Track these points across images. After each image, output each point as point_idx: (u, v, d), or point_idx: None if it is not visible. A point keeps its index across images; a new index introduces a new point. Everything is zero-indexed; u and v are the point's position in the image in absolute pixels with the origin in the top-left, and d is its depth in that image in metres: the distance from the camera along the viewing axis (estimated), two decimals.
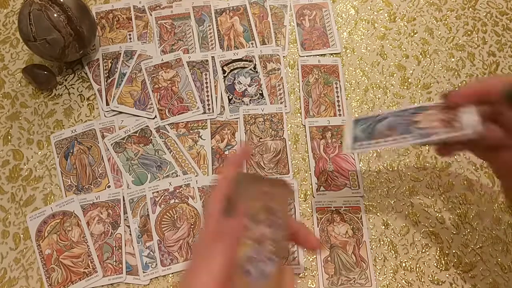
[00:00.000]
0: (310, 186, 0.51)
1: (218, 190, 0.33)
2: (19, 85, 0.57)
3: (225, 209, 0.33)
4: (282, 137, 0.53)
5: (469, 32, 0.60)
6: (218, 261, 0.30)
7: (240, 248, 0.32)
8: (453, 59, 0.58)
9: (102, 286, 0.46)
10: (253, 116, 0.54)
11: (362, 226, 0.48)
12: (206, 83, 0.56)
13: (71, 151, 0.52)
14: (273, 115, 0.54)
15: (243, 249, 0.32)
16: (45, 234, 0.48)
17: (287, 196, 0.36)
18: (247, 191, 0.34)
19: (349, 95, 0.56)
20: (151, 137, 0.53)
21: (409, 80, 0.56)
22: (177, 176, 0.51)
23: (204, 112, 0.54)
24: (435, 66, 0.57)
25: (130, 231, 0.48)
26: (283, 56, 0.58)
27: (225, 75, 0.56)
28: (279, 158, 0.52)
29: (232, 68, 0.57)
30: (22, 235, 0.49)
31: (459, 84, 0.56)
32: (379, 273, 0.46)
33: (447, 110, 0.38)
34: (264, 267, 0.32)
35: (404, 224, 0.49)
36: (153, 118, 0.54)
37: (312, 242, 0.34)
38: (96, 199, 0.50)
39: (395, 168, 0.52)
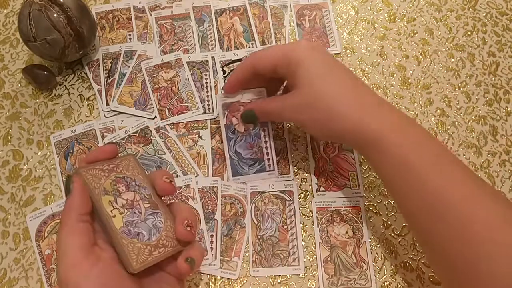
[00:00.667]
0: (310, 186, 0.51)
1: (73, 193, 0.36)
2: (19, 85, 0.57)
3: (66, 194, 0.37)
4: (283, 137, 0.53)
5: (469, 33, 0.60)
6: (64, 247, 0.34)
7: (117, 220, 0.36)
8: (453, 60, 0.58)
9: None
10: None
11: (362, 226, 0.48)
12: (206, 83, 0.56)
13: (71, 151, 0.52)
14: None
15: (119, 219, 0.36)
16: (45, 234, 0.48)
17: (131, 161, 0.40)
18: (90, 176, 0.37)
19: None
20: (151, 137, 0.53)
21: (409, 80, 0.57)
22: (177, 176, 0.51)
23: (204, 112, 0.54)
24: (435, 67, 0.57)
25: None
26: None
27: (225, 75, 0.56)
28: (279, 158, 0.52)
29: (232, 68, 0.57)
30: (22, 235, 0.49)
31: (459, 84, 0.56)
32: (379, 273, 0.46)
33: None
34: (149, 222, 0.37)
35: (404, 224, 0.48)
36: (153, 118, 0.54)
37: (163, 186, 0.39)
38: None
39: None
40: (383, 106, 0.41)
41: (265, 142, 0.50)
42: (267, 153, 0.50)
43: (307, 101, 0.42)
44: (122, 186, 0.37)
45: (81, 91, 0.56)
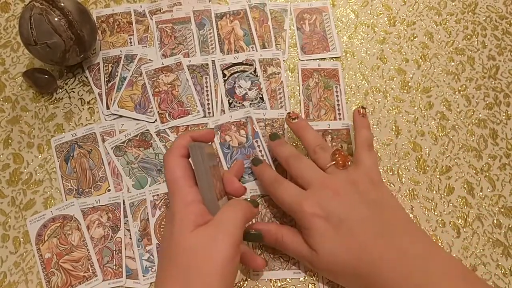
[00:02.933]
0: None
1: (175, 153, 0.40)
2: (20, 89, 0.57)
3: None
4: None
5: (468, 36, 0.60)
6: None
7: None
8: (453, 63, 0.58)
9: None
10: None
11: None
12: (207, 86, 0.56)
13: (72, 154, 0.52)
14: (274, 120, 0.54)
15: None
16: (45, 238, 0.48)
17: (213, 151, 0.45)
18: (204, 158, 0.39)
19: (349, 99, 0.56)
20: (152, 141, 0.53)
21: (409, 84, 0.57)
22: None
23: (205, 116, 0.54)
24: (435, 70, 0.57)
25: (130, 234, 0.48)
26: (283, 60, 0.58)
27: (226, 79, 0.57)
28: (277, 163, 0.52)
29: (232, 72, 0.57)
30: (22, 239, 0.49)
31: (459, 88, 0.56)
32: None
33: None
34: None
35: None
36: (154, 122, 0.54)
37: (234, 185, 0.42)
38: (96, 202, 0.50)
39: (395, 172, 0.52)
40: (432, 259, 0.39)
41: (260, 151, 0.51)
42: (264, 161, 0.51)
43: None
44: (217, 174, 0.41)
45: (82, 95, 0.57)
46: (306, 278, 0.46)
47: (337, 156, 0.45)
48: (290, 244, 0.43)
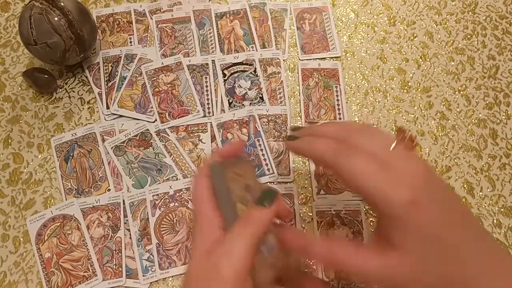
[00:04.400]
0: (310, 189, 0.51)
1: (201, 183, 0.35)
2: (20, 88, 0.57)
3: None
4: (285, 138, 0.53)
5: (468, 36, 0.60)
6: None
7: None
8: (453, 63, 0.58)
9: None
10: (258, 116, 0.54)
11: (362, 229, 0.48)
12: (206, 86, 0.56)
13: (71, 154, 0.52)
14: (277, 116, 0.54)
15: None
16: (45, 238, 0.48)
17: (252, 169, 0.38)
18: (227, 177, 0.35)
19: (349, 99, 0.56)
20: (151, 141, 0.53)
21: (409, 83, 0.57)
22: (177, 179, 0.51)
23: (204, 116, 0.54)
24: (435, 70, 0.57)
25: (130, 234, 0.48)
26: (283, 60, 0.58)
27: (225, 78, 0.57)
28: (281, 159, 0.52)
29: (232, 71, 0.57)
30: (22, 239, 0.49)
31: (459, 88, 0.56)
32: None
33: None
34: (268, 239, 0.33)
35: None
36: (154, 122, 0.54)
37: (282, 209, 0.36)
38: (96, 202, 0.50)
39: None
40: None
41: (261, 150, 0.51)
42: (265, 159, 0.51)
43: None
44: (249, 196, 0.35)
45: (82, 95, 0.57)
46: None
47: (403, 132, 0.33)
48: (347, 256, 0.32)
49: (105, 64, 0.58)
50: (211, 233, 0.33)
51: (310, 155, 0.36)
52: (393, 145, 0.32)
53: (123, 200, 0.50)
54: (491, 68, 0.57)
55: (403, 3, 0.62)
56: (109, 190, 0.51)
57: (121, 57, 0.58)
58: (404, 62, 0.58)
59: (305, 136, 0.37)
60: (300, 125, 0.40)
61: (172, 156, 0.52)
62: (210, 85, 0.56)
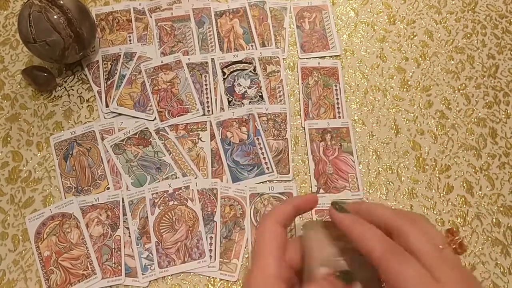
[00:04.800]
0: (310, 188, 0.51)
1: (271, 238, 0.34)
2: (19, 86, 0.57)
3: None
4: (285, 137, 0.53)
5: (468, 35, 0.60)
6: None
7: None
8: (452, 62, 0.58)
9: None
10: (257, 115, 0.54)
11: None
12: (206, 85, 0.56)
13: (71, 152, 0.52)
14: (277, 115, 0.54)
15: None
16: (44, 236, 0.48)
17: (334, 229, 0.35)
18: (316, 238, 0.34)
19: (349, 97, 0.56)
20: (151, 139, 0.53)
21: (409, 82, 0.57)
22: (176, 178, 0.51)
23: (204, 114, 0.54)
24: (434, 69, 0.57)
25: (129, 233, 0.48)
26: (283, 58, 0.58)
27: (225, 77, 0.56)
28: (280, 157, 0.52)
29: (232, 70, 0.57)
30: (21, 237, 0.49)
31: (459, 87, 0.56)
32: None
33: None
34: None
35: None
36: (153, 120, 0.54)
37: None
38: (96, 200, 0.50)
39: (395, 170, 0.52)
40: None
41: (260, 149, 0.51)
42: (264, 158, 0.51)
43: None
44: (347, 259, 0.33)
45: (81, 93, 0.56)
46: None
47: (453, 234, 0.32)
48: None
49: (105, 62, 0.58)
50: (265, 284, 0.32)
51: (357, 241, 0.33)
52: (443, 246, 0.31)
53: (122, 199, 0.50)
54: (491, 67, 0.57)
55: (403, 2, 0.62)
56: (108, 188, 0.51)
57: (120, 55, 0.58)
58: (404, 61, 0.58)
59: (353, 215, 0.35)
60: (344, 201, 0.38)
61: (171, 154, 0.52)
62: (210, 84, 0.56)
